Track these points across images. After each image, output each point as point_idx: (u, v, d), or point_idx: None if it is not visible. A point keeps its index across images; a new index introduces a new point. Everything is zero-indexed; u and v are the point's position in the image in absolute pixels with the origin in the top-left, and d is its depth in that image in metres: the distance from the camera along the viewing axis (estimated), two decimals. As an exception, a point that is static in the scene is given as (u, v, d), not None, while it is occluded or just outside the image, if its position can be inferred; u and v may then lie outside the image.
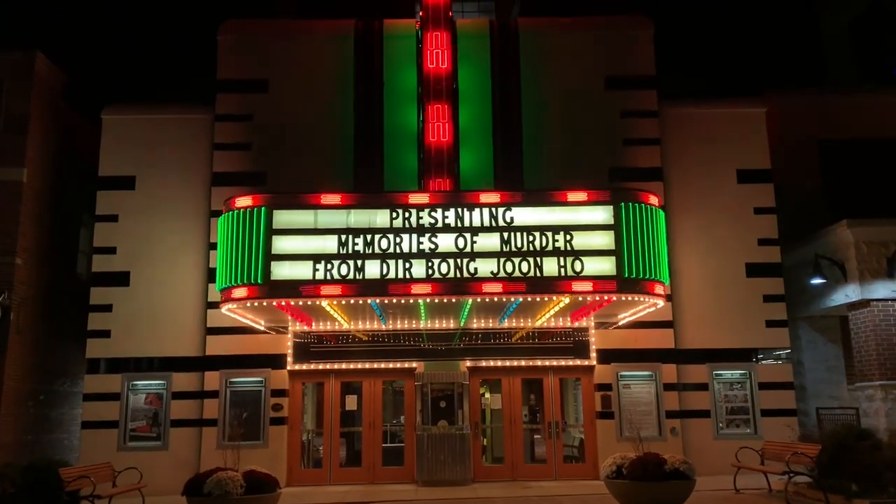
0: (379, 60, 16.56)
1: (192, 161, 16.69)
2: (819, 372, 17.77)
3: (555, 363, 16.16)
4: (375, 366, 16.07)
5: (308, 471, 16.19)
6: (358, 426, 16.33)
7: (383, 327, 16.09)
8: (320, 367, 16.02)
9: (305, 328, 15.97)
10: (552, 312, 14.35)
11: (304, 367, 15.97)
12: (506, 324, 16.11)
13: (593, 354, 16.15)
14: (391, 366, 16.10)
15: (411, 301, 12.71)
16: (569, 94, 16.88)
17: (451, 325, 16.12)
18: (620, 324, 15.91)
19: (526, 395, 16.76)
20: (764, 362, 16.51)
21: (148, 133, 16.85)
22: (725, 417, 16.36)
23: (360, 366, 16.03)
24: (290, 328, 15.99)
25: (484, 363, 16.10)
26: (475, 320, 16.00)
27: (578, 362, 16.14)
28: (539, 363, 16.12)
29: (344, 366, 16.03)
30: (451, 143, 15.25)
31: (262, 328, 15.72)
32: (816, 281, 16.10)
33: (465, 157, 16.13)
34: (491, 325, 16.14)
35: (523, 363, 16.12)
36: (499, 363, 16.11)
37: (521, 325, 16.14)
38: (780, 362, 16.53)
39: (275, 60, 16.84)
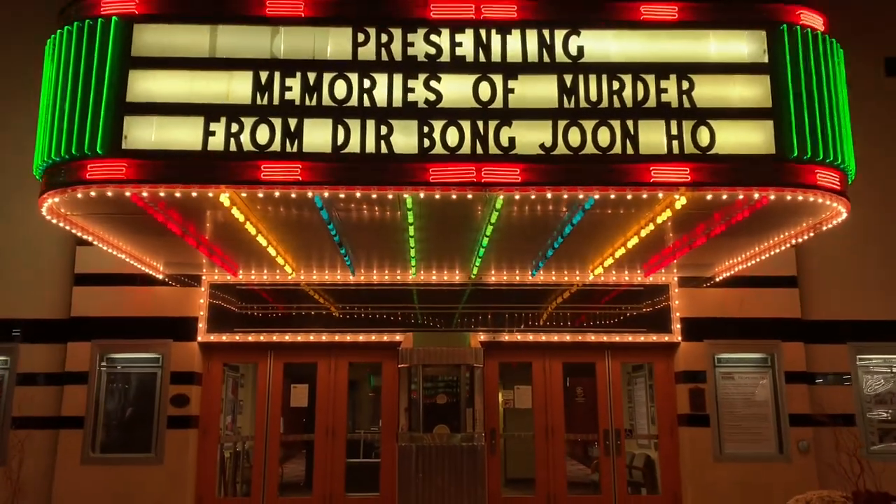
0: None
1: None
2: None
3: (616, 339, 10.46)
4: (338, 338, 10.34)
5: (229, 500, 10.43)
6: (309, 432, 10.57)
7: (351, 279, 10.41)
8: (251, 338, 10.28)
9: (229, 277, 10.26)
10: (627, 248, 8.62)
11: (227, 338, 10.25)
12: (541, 276, 10.42)
13: (676, 326, 10.46)
14: (362, 338, 10.36)
15: (389, 196, 6.87)
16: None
17: (457, 276, 10.46)
18: (719, 278, 10.25)
19: (569, 387, 11.04)
20: (933, 343, 10.80)
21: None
22: (877, 427, 10.64)
23: (313, 338, 10.32)
24: (203, 277, 10.28)
25: (507, 337, 10.39)
26: (493, 270, 10.29)
27: (653, 338, 10.45)
28: (592, 338, 10.41)
29: (288, 338, 10.30)
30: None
31: (159, 276, 9.99)
32: None
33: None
34: (518, 277, 10.45)
35: (567, 338, 10.42)
36: (529, 338, 10.40)
37: (565, 278, 10.47)
38: (960, 343, 10.81)
39: None
